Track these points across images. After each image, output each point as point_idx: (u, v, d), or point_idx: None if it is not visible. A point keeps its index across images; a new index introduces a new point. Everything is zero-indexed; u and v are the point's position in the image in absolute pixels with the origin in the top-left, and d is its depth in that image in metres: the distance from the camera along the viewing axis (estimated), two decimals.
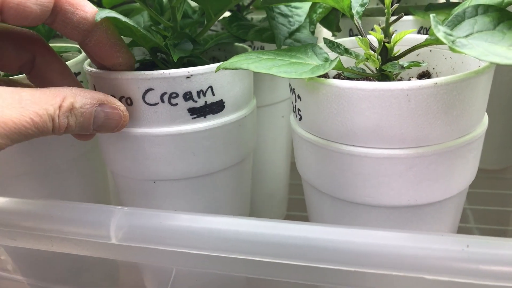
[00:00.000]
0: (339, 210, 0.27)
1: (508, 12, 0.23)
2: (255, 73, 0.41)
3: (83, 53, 0.35)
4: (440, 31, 0.20)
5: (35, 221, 0.27)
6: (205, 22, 0.32)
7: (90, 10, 0.23)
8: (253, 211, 0.46)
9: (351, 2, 0.27)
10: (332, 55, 0.28)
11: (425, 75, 0.30)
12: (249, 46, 0.40)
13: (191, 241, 0.24)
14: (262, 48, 0.40)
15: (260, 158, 0.45)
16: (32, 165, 0.32)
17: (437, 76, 0.30)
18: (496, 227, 0.47)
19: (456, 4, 0.37)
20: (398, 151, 0.23)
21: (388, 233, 0.22)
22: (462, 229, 0.46)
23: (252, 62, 0.23)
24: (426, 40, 0.23)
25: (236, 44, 0.35)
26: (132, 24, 0.24)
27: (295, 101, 0.27)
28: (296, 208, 0.51)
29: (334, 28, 0.39)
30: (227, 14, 0.42)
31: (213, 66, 0.27)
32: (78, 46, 0.37)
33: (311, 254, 0.22)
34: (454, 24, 0.23)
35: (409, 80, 0.30)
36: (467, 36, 0.22)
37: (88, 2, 0.24)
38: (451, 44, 0.20)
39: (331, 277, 0.22)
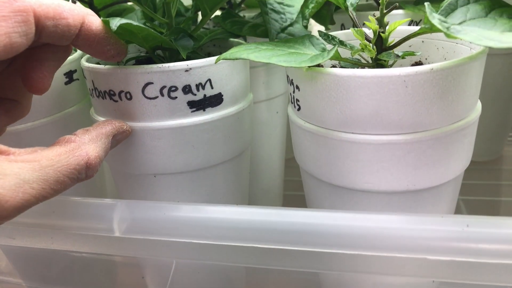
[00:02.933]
0: (339, 198, 0.27)
1: (500, 0, 0.23)
2: (250, 69, 0.42)
3: (78, 52, 0.35)
4: (435, 18, 0.21)
5: (35, 217, 0.26)
6: (200, 17, 0.32)
7: (69, 16, 0.22)
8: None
9: None
10: (329, 46, 0.29)
11: (417, 65, 0.31)
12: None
13: (195, 230, 0.24)
14: None
15: (255, 154, 0.46)
16: None
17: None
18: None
19: None
20: (397, 137, 0.24)
21: (389, 216, 0.22)
22: None
23: (251, 52, 0.24)
24: (420, 28, 0.24)
25: (231, 39, 0.35)
26: (141, 25, 0.24)
27: (293, 91, 0.27)
28: (291, 204, 0.52)
29: (328, 22, 0.40)
30: (219, 13, 0.42)
31: (212, 59, 0.27)
32: None
33: (313, 239, 0.22)
34: (447, 12, 0.24)
35: None
36: (460, 23, 0.23)
37: (65, 3, 0.22)
38: (446, 31, 0.20)
39: (334, 262, 0.23)
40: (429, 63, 0.30)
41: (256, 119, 0.44)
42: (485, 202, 0.51)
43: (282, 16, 0.36)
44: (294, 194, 0.53)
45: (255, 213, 0.24)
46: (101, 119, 0.30)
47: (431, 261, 0.21)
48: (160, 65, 0.26)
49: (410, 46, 0.31)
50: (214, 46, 0.37)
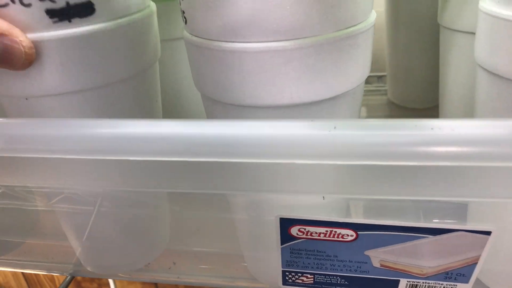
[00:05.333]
0: (230, 116, 0.27)
1: None
2: (172, 3, 0.40)
3: None
4: None
5: None
6: None
7: None
8: None
9: None
10: None
11: None
12: None
13: (75, 145, 0.23)
14: None
15: (186, 91, 0.45)
16: None
17: None
18: None
19: None
20: (275, 44, 0.23)
21: (260, 122, 0.22)
22: None
23: None
24: None
25: None
26: None
27: (180, 3, 0.26)
28: None
29: None
30: None
31: None
32: None
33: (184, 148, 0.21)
34: None
35: None
36: None
37: None
38: None
39: (213, 169, 0.22)
40: None
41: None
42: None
43: None
44: None
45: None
46: None
47: (299, 165, 0.21)
48: None
49: None
50: None
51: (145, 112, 0.33)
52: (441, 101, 0.44)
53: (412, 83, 0.55)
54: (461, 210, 0.29)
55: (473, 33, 0.34)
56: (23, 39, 0.24)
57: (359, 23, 0.25)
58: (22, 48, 0.24)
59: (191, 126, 0.22)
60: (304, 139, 0.21)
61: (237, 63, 0.24)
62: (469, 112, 0.40)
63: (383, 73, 0.63)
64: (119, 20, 0.28)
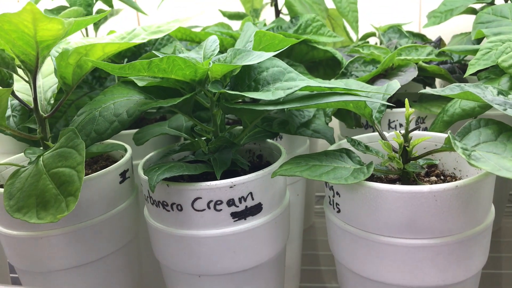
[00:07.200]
0: None
1: (505, 124, 0.29)
2: None
3: (129, 152, 0.39)
4: (459, 148, 0.26)
5: None
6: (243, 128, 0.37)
7: None
8: None
9: (372, 110, 0.33)
10: (364, 158, 0.33)
11: (433, 165, 0.36)
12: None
13: None
14: (281, 137, 0.45)
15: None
16: (78, 258, 0.35)
17: (443, 166, 0.35)
18: None
19: (447, 98, 0.44)
20: (428, 241, 0.29)
21: None
22: None
23: (304, 169, 0.29)
24: (442, 147, 0.29)
25: (269, 140, 0.40)
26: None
27: (333, 196, 0.32)
28: (309, 279, 0.54)
29: (350, 122, 0.46)
30: None
31: (254, 175, 0.32)
32: (124, 144, 0.41)
33: None
34: (463, 134, 0.29)
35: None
36: (475, 145, 0.28)
37: None
38: (467, 158, 0.26)
39: None
40: (442, 164, 0.36)
41: None
42: (485, 274, 0.54)
43: (301, 113, 0.40)
44: (312, 269, 0.55)
45: None
46: (155, 223, 0.34)
47: None
48: (208, 183, 0.31)
49: (424, 148, 0.36)
50: (255, 144, 0.42)
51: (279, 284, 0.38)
52: None
53: None
54: None
55: None
56: None
57: (487, 218, 0.30)
58: None
59: None
60: None
61: (392, 253, 0.29)
62: None
63: None
64: (275, 211, 0.35)
